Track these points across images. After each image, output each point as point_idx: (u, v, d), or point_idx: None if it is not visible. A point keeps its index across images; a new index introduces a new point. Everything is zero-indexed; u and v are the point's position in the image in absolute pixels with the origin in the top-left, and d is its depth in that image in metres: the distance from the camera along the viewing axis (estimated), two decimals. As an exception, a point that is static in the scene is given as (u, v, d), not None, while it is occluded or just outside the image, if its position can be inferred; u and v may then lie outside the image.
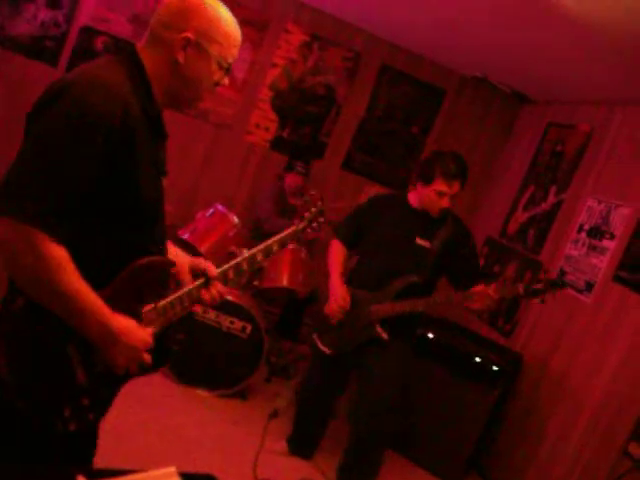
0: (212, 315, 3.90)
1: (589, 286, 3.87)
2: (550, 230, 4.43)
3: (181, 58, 1.60)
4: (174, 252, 1.86)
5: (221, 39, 1.63)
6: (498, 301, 3.09)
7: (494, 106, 5.38)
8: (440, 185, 3.14)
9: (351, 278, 3.41)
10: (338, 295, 3.26)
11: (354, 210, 3.51)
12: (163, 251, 1.76)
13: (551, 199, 4.52)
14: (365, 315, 3.25)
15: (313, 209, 2.12)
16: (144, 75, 1.60)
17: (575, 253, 4.09)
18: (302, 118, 5.24)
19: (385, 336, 3.22)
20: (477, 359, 3.99)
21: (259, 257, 1.93)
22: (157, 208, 1.69)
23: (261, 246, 1.94)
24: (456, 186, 3.16)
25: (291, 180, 4.77)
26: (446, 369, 4.02)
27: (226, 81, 1.71)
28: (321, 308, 3.37)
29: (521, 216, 4.81)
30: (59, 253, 1.42)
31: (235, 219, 4.13)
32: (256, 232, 4.61)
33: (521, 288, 3.02)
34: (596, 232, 3.98)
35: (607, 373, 3.52)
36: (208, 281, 1.83)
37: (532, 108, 5.27)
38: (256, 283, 4.18)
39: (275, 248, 1.97)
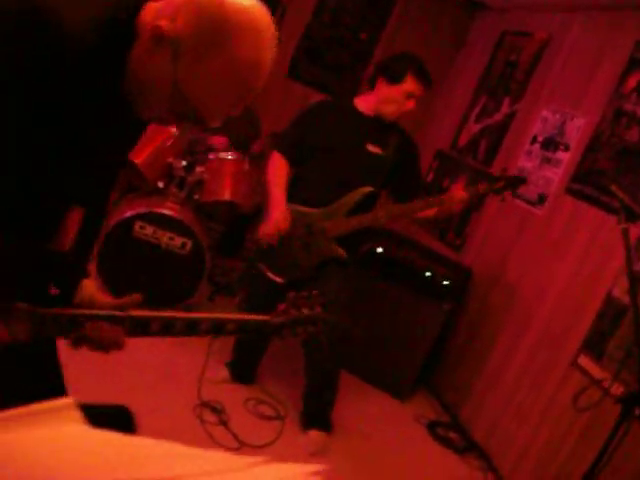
0: (149, 230, 3.66)
1: (541, 198, 3.77)
2: (502, 142, 4.29)
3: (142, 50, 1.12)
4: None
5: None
6: (466, 202, 3.01)
7: (447, 12, 5.10)
8: (412, 85, 2.91)
9: (292, 193, 3.07)
10: (277, 217, 2.94)
11: (295, 119, 3.18)
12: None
13: (504, 110, 4.37)
14: (318, 234, 2.99)
15: (304, 310, 1.43)
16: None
17: (528, 165, 3.98)
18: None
19: (344, 254, 2.99)
20: (427, 274, 3.90)
21: (178, 324, 1.38)
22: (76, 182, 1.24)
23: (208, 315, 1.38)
24: (425, 90, 2.96)
25: None
26: (396, 284, 3.90)
27: (171, 128, 1.22)
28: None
29: (473, 128, 4.65)
30: None
31: (172, 128, 3.83)
32: (194, 145, 4.32)
33: (482, 187, 2.96)
34: (550, 143, 3.85)
35: (558, 285, 3.47)
36: (115, 318, 1.33)
37: (486, 15, 5.03)
38: (196, 197, 3.93)
39: (231, 327, 1.40)
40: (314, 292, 1.48)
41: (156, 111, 1.19)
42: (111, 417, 1.32)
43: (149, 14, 1.12)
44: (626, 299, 3.00)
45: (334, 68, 5.07)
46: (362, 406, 3.71)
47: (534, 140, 3.98)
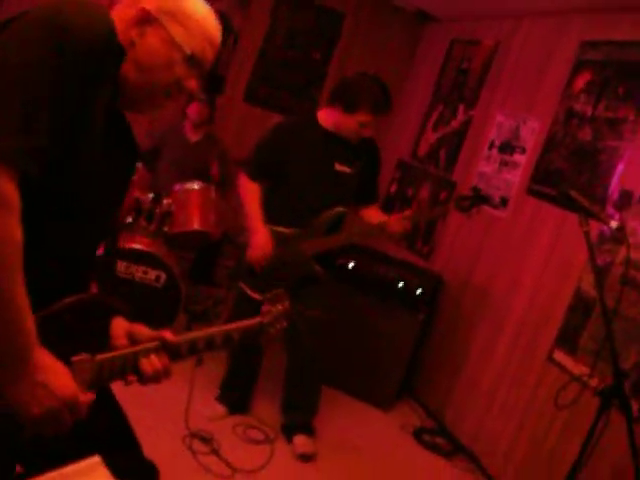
0: (122, 267, 3.66)
1: (504, 201, 3.88)
2: (461, 148, 4.40)
3: (135, 34, 1.29)
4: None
5: (188, 23, 1.32)
6: (413, 224, 3.11)
7: (396, 27, 5.23)
8: (364, 116, 2.93)
9: (266, 214, 3.12)
10: (261, 241, 3.04)
11: (261, 143, 3.20)
12: (86, 263, 1.43)
13: (460, 117, 4.48)
14: (297, 254, 3.08)
15: (279, 306, 1.60)
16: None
17: (488, 169, 4.09)
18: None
19: (322, 273, 3.10)
20: (400, 284, 3.97)
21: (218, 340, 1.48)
22: (91, 199, 1.32)
23: (218, 329, 1.48)
24: (380, 117, 2.98)
25: (194, 110, 4.43)
26: (370, 297, 3.97)
27: (192, 84, 1.35)
28: (243, 254, 3.13)
29: (431, 136, 4.76)
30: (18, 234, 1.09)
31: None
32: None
33: (452, 204, 3.05)
34: (507, 147, 3.97)
35: (527, 284, 3.57)
36: (160, 348, 1.38)
37: (435, 26, 5.16)
38: (166, 229, 3.94)
39: (236, 337, 1.51)
40: (278, 290, 1.62)
41: (164, 88, 1.33)
42: (137, 471, 1.36)
43: (118, 23, 1.26)
44: (593, 293, 3.10)
45: (290, 89, 5.14)
46: (348, 419, 3.75)
47: (491, 145, 4.10)
